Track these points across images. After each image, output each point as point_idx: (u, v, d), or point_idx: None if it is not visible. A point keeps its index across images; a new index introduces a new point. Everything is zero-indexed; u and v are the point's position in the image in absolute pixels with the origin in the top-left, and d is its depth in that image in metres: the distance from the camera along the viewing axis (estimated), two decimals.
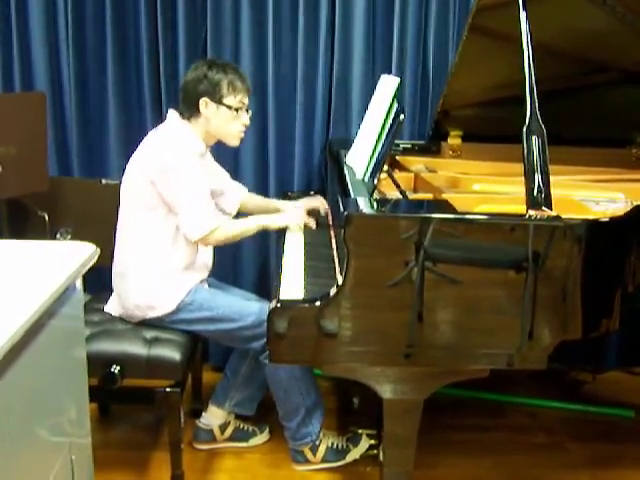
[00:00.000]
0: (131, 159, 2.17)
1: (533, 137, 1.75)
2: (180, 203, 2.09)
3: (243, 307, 2.16)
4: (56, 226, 2.58)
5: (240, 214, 2.36)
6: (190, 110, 2.16)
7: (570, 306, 1.70)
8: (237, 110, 2.17)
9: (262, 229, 2.26)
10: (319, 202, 2.47)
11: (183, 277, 2.17)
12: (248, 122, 2.23)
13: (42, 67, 2.71)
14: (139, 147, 2.17)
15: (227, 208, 2.33)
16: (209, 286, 2.30)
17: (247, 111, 2.22)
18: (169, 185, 2.07)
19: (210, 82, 2.13)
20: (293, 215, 2.33)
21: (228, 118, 2.17)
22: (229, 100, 2.15)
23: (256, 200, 2.53)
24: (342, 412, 2.61)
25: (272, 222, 2.28)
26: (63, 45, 2.72)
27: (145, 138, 2.18)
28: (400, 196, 2.06)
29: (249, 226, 2.23)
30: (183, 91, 2.19)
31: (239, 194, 2.46)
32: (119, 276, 2.21)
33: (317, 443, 2.27)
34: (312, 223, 2.31)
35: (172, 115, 2.20)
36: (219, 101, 2.14)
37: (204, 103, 2.13)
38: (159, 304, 2.15)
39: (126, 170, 2.17)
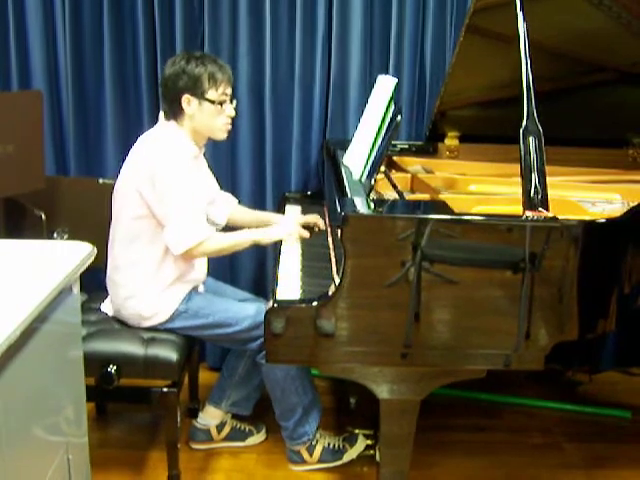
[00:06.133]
0: (123, 165, 2.11)
1: (530, 138, 1.76)
2: (164, 214, 2.02)
3: (239, 311, 2.14)
4: (53, 225, 2.57)
5: (229, 227, 2.33)
6: (173, 109, 2.09)
7: (567, 307, 1.71)
8: (221, 104, 2.09)
9: (255, 243, 2.18)
10: (316, 219, 2.35)
11: (175, 288, 2.13)
12: (233, 113, 2.15)
13: (39, 65, 2.70)
14: (131, 151, 2.11)
15: (216, 219, 2.28)
16: (205, 287, 2.29)
17: (232, 101, 2.14)
18: (155, 195, 2.01)
19: (190, 77, 2.04)
20: (287, 228, 2.23)
21: (212, 113, 2.08)
22: (211, 94, 2.07)
23: (246, 212, 2.47)
24: (339, 412, 2.60)
25: (265, 236, 2.18)
26: (60, 44, 2.72)
27: (137, 141, 2.12)
28: (397, 196, 2.07)
29: (242, 239, 2.15)
30: (163, 87, 2.12)
31: (229, 205, 2.42)
32: (112, 283, 2.17)
33: (314, 443, 2.27)
34: (305, 234, 2.20)
35: (163, 117, 2.15)
36: (201, 96, 2.06)
37: (186, 100, 2.06)
38: (152, 315, 2.12)
39: (118, 177, 2.12)
